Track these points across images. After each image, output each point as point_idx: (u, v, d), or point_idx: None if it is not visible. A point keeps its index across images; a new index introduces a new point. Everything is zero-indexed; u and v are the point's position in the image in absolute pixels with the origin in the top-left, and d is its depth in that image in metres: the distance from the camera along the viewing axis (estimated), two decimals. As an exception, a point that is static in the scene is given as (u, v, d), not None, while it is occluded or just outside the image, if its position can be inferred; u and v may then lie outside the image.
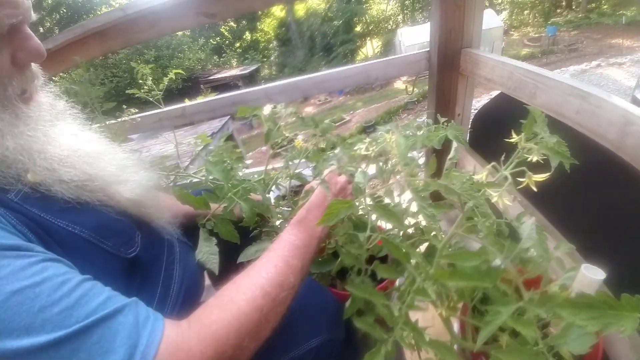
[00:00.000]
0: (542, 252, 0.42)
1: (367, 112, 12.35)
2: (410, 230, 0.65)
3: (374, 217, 0.56)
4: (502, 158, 0.47)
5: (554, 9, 19.24)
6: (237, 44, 23.66)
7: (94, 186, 0.50)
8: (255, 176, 1.10)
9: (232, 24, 24.01)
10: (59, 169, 0.46)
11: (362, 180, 0.49)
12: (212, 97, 1.39)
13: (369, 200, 0.49)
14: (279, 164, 1.07)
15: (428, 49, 1.16)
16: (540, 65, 11.82)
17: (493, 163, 0.40)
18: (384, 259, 0.78)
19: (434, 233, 0.51)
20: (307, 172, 1.03)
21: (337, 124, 11.70)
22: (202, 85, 14.99)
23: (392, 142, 0.50)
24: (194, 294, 0.65)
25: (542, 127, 0.42)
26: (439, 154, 1.40)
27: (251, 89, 1.33)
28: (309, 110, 14.46)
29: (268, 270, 0.48)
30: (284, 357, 0.52)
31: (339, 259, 0.66)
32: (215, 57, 20.72)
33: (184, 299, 0.59)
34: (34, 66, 0.49)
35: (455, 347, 0.74)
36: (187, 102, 1.41)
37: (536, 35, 15.79)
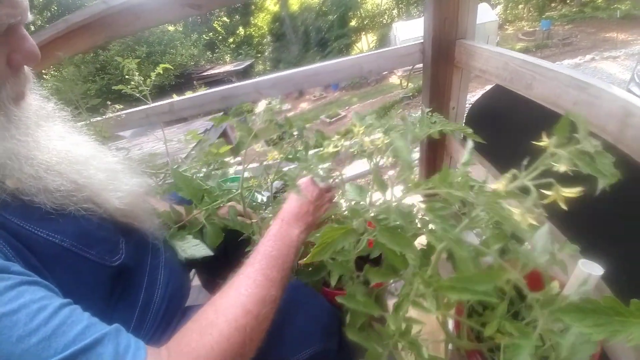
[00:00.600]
0: (551, 259, 0.39)
1: (363, 108, 12.31)
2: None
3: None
4: (525, 163, 0.39)
5: (548, 3, 19.26)
6: (231, 40, 23.39)
7: (80, 197, 0.48)
8: (246, 174, 1.08)
9: (225, 19, 23.72)
10: (46, 177, 0.45)
11: (358, 197, 0.45)
12: (201, 91, 1.35)
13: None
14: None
15: (422, 41, 1.13)
16: (534, 59, 11.88)
17: (514, 170, 0.33)
18: (378, 259, 0.76)
19: (430, 227, 0.48)
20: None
21: (333, 120, 11.66)
22: (195, 82, 14.83)
23: (380, 141, 0.47)
24: (179, 296, 0.63)
25: (584, 134, 0.33)
26: (432, 147, 1.38)
27: (241, 83, 1.29)
28: (304, 106, 14.39)
29: (247, 287, 0.45)
30: None
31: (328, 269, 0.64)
32: (208, 53, 20.49)
33: (168, 303, 0.57)
34: (26, 68, 0.47)
35: (450, 346, 0.73)
36: (175, 98, 1.37)
37: (530, 29, 15.80)
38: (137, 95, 1.41)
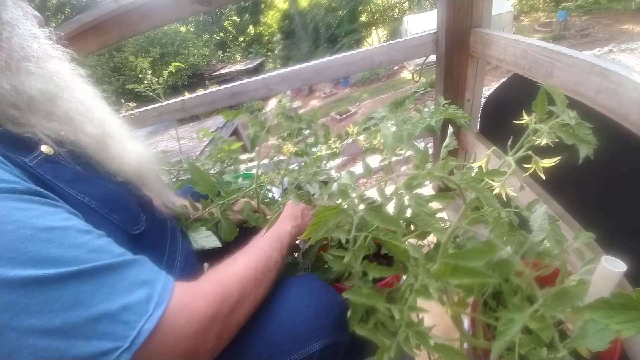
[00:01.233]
0: (555, 243, 0.38)
1: (373, 104, 12.19)
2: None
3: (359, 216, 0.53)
4: (509, 143, 0.42)
5: (564, -7, 18.64)
6: (241, 39, 23.53)
7: (106, 146, 0.53)
8: (254, 171, 1.08)
9: (235, 18, 23.86)
10: (77, 118, 0.50)
11: (348, 180, 0.45)
12: (212, 89, 1.36)
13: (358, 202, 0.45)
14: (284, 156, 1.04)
15: (435, 31, 1.10)
16: (551, 50, 11.52)
17: (493, 148, 0.35)
18: (387, 257, 0.75)
19: (434, 222, 0.47)
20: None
21: (343, 116, 11.60)
22: (207, 81, 14.99)
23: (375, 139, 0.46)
24: None
25: (561, 106, 0.36)
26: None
27: (251, 79, 1.29)
28: (314, 103, 14.36)
29: (254, 247, 0.59)
30: None
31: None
32: (219, 53, 20.68)
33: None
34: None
35: (466, 345, 0.71)
36: (187, 95, 1.38)
37: (547, 20, 15.33)
38: (151, 94, 1.43)
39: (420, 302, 0.38)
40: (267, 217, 0.86)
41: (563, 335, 0.48)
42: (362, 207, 0.41)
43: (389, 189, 0.52)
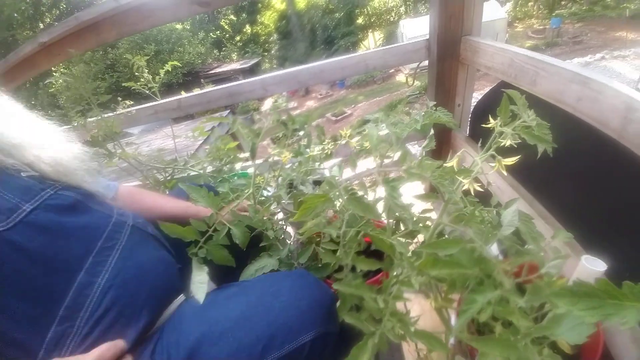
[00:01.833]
0: (532, 240, 0.41)
1: (369, 106, 12.27)
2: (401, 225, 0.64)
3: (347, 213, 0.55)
4: (479, 144, 0.46)
5: (558, 0, 18.96)
6: (238, 38, 23.46)
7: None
8: (250, 170, 1.10)
9: (232, 17, 23.79)
10: None
11: (336, 172, 0.48)
12: (209, 88, 1.38)
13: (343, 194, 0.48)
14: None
15: (428, 38, 1.13)
16: (544, 57, 11.72)
17: (463, 149, 0.39)
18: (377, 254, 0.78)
19: (421, 225, 0.50)
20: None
21: (339, 117, 11.65)
22: (202, 80, 14.92)
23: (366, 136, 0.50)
24: (142, 289, 0.58)
25: (523, 109, 0.40)
26: (437, 143, 1.39)
27: (248, 80, 1.31)
28: (310, 104, 14.39)
29: None
30: (280, 352, 0.52)
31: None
32: (215, 51, 20.60)
33: (119, 292, 0.54)
34: None
35: (452, 340, 0.74)
36: (183, 94, 1.40)
37: (540, 27, 15.59)
38: (147, 92, 1.44)
39: (411, 296, 0.41)
40: (265, 217, 0.88)
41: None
42: (346, 197, 0.44)
43: (381, 190, 0.55)
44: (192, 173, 1.41)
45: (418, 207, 0.68)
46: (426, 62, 1.21)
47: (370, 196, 0.48)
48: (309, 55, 20.45)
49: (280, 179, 1.04)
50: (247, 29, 24.02)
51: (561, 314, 0.31)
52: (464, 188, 0.41)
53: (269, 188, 1.20)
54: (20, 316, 0.46)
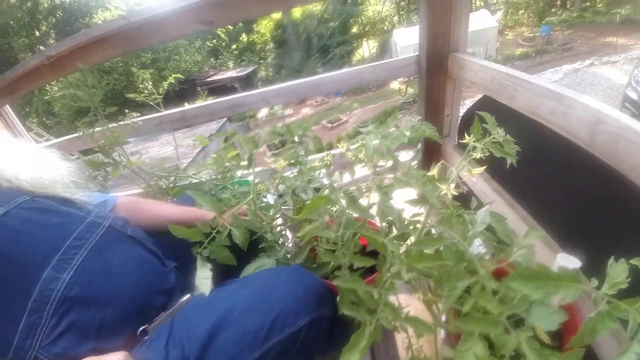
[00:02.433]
0: (505, 238, 0.47)
1: (364, 113, 12.42)
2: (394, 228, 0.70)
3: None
4: (466, 152, 0.53)
5: (548, 8, 19.39)
6: (234, 46, 23.69)
7: None
8: (249, 178, 1.16)
9: (228, 26, 24.04)
10: None
11: (338, 178, 0.54)
12: (211, 100, 1.44)
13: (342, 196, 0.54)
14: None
15: (417, 54, 1.21)
16: (534, 64, 11.95)
17: (442, 161, 0.45)
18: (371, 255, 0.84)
19: (411, 227, 0.57)
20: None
21: (334, 124, 11.77)
22: (199, 88, 15.01)
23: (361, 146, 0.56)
24: (103, 284, 0.61)
25: (492, 128, 0.47)
26: (428, 153, 1.46)
27: (249, 92, 1.38)
28: (305, 111, 14.52)
29: None
30: (280, 335, 0.58)
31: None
32: (212, 59, 20.75)
33: (84, 289, 0.58)
34: None
35: (444, 333, 0.80)
36: (187, 106, 1.46)
37: (531, 35, 15.91)
38: (150, 103, 1.50)
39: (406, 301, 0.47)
40: (264, 221, 0.94)
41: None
42: (344, 200, 0.51)
43: (374, 196, 0.62)
44: (194, 181, 1.47)
45: (409, 211, 0.75)
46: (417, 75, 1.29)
47: (364, 201, 0.55)
48: (304, 63, 20.69)
49: (282, 186, 1.10)
50: (244, 37, 24.27)
51: (523, 297, 0.37)
52: (442, 193, 0.48)
53: (268, 195, 1.26)
54: None
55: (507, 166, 0.50)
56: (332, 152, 0.92)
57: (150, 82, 1.50)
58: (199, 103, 1.46)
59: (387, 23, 22.22)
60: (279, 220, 1.20)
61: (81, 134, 1.36)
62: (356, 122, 11.54)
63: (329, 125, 11.78)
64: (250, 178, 1.48)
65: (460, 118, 1.35)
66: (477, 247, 0.80)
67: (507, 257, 0.55)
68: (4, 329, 0.52)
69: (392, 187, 0.52)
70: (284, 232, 1.06)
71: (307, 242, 0.92)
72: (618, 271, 0.44)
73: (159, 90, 1.50)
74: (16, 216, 0.56)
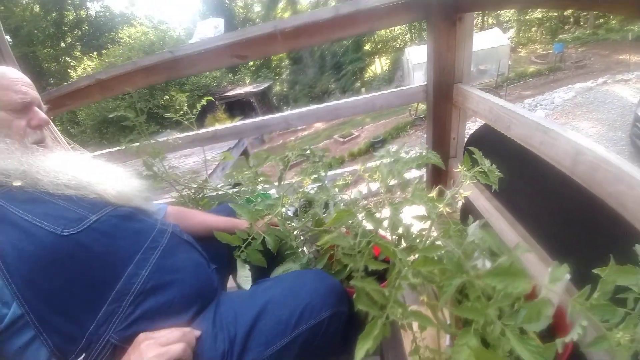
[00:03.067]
0: (497, 250, 0.59)
1: (376, 128, 12.58)
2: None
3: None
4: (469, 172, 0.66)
5: (561, 25, 19.39)
6: (251, 63, 24.53)
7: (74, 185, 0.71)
8: (273, 192, 1.31)
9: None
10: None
11: (358, 196, 0.68)
12: (239, 122, 1.61)
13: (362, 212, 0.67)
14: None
15: (425, 83, 1.36)
16: (547, 82, 11.95)
17: (439, 186, 0.58)
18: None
19: (418, 240, 0.69)
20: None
21: (346, 139, 11.95)
22: (217, 102, 15.53)
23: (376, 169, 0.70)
24: (173, 286, 0.73)
25: (480, 159, 0.60)
26: (436, 172, 1.58)
27: (273, 115, 1.54)
28: (318, 125, 14.81)
29: None
30: (307, 324, 0.72)
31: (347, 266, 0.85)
32: (230, 75, 21.46)
33: (157, 283, 0.70)
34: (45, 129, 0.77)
35: (449, 339, 0.90)
36: (218, 126, 1.63)
37: (544, 52, 15.92)
38: (186, 122, 1.68)
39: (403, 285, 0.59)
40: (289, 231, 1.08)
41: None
42: (363, 214, 0.64)
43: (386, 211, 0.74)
44: (220, 193, 1.63)
45: (417, 226, 0.87)
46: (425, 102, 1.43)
47: (378, 215, 0.68)
48: (318, 79, 21.18)
49: (301, 200, 1.24)
50: (260, 53, 25.08)
51: (522, 308, 0.49)
52: (439, 210, 0.60)
53: (289, 208, 1.40)
54: (80, 297, 0.62)
55: (493, 190, 0.62)
56: (350, 169, 1.05)
57: (186, 104, 1.69)
58: (228, 124, 1.62)
59: (399, 41, 22.67)
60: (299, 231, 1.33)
61: (124, 147, 1.55)
62: (368, 137, 11.69)
63: (341, 139, 11.98)
64: (272, 192, 1.63)
65: (466, 139, 1.48)
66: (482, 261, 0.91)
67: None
68: (83, 317, 0.62)
69: (401, 204, 0.65)
70: (305, 242, 1.20)
71: (325, 250, 1.05)
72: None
73: (193, 111, 1.69)
74: (106, 222, 0.69)
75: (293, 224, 1.24)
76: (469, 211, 1.38)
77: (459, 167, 0.61)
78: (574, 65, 12.70)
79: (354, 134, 12.22)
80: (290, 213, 1.44)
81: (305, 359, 0.76)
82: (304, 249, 1.15)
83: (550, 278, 0.84)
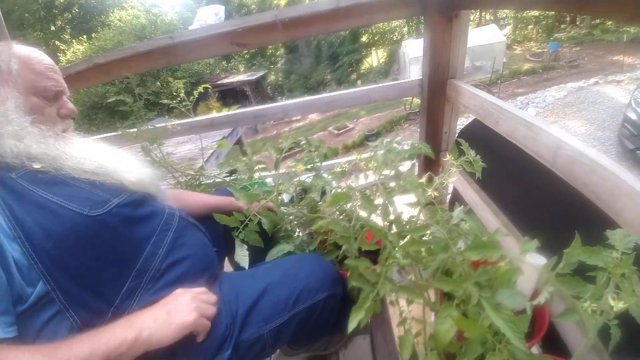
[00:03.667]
0: (478, 233, 0.64)
1: (370, 121, 12.60)
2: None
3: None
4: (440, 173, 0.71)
5: (557, 24, 19.50)
6: (245, 50, 24.17)
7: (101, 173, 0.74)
8: (269, 180, 1.35)
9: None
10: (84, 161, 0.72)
11: (355, 181, 0.72)
12: (237, 110, 1.63)
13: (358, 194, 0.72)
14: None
15: (420, 78, 1.40)
16: (539, 80, 12.08)
17: (429, 173, 0.62)
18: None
19: (408, 227, 0.74)
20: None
21: (340, 131, 11.97)
22: (210, 90, 15.32)
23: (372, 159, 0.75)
24: (188, 260, 0.78)
25: (466, 150, 0.65)
26: (427, 164, 1.64)
27: (270, 105, 1.57)
28: (313, 117, 14.77)
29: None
30: (304, 304, 0.77)
31: (341, 248, 0.90)
32: (223, 62, 21.12)
33: (172, 261, 0.75)
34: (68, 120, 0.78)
35: (433, 316, 0.96)
36: (215, 113, 1.65)
37: (539, 50, 16.01)
38: (182, 109, 1.70)
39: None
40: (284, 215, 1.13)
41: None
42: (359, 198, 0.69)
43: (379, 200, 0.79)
44: (217, 180, 1.66)
45: (408, 214, 0.93)
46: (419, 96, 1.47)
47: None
48: (313, 70, 21.02)
49: (297, 188, 1.28)
50: (255, 41, 24.69)
51: (499, 291, 0.54)
52: (428, 195, 0.65)
53: (285, 194, 1.45)
54: (105, 274, 0.66)
55: (477, 178, 0.68)
56: (346, 159, 1.10)
57: (183, 91, 1.70)
58: (225, 111, 1.65)
59: (396, 33, 22.54)
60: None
61: (120, 132, 1.56)
62: (362, 130, 11.73)
63: (336, 132, 11.99)
64: (268, 180, 1.67)
65: (457, 133, 1.53)
66: (464, 244, 0.98)
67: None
68: (108, 292, 0.65)
69: (394, 190, 0.69)
70: (298, 226, 1.25)
71: (319, 234, 1.11)
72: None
73: (190, 99, 1.70)
74: (126, 206, 0.73)
75: (289, 209, 1.29)
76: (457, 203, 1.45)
77: (447, 156, 0.66)
78: (568, 65, 12.82)
79: (348, 127, 12.24)
80: (286, 200, 1.48)
81: (303, 335, 0.82)
82: (299, 233, 1.21)
83: (520, 250, 0.90)
